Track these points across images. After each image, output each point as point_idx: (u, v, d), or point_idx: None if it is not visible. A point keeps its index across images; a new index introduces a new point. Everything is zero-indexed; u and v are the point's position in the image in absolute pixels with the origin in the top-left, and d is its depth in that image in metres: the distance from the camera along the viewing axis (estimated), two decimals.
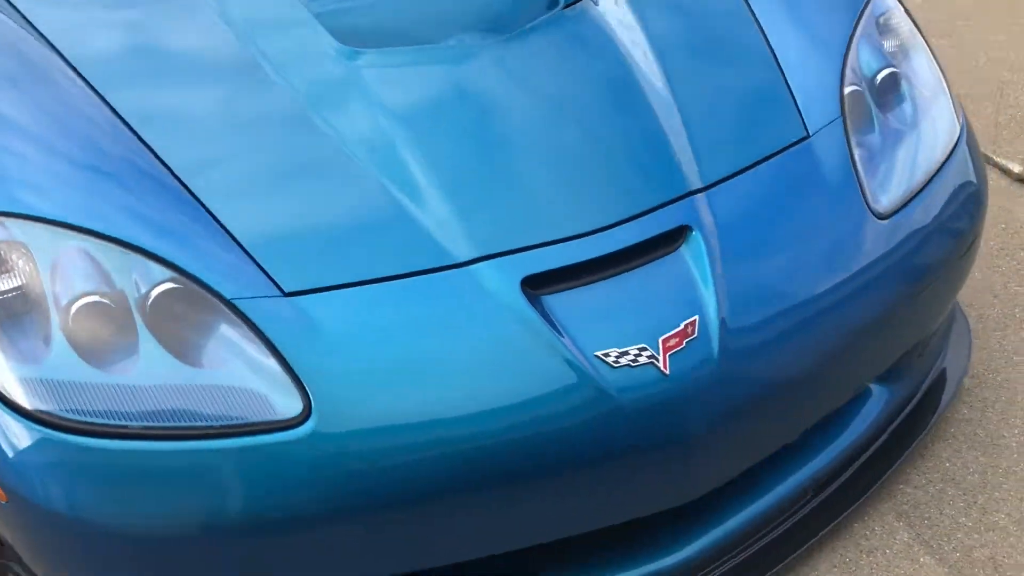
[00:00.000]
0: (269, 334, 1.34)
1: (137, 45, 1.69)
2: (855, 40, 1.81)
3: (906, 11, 1.93)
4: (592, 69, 1.69)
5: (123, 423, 1.30)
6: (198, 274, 1.36)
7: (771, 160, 1.63)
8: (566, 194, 1.52)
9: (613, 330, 1.41)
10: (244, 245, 1.41)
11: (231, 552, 1.34)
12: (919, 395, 1.92)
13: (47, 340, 1.32)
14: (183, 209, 1.43)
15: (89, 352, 1.33)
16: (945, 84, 1.88)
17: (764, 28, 1.82)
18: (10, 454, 1.29)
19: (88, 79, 1.57)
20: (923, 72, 1.86)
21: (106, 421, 1.30)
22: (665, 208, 1.52)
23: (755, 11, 1.84)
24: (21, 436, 1.29)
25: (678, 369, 1.40)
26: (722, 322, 1.44)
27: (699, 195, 1.54)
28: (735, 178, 1.59)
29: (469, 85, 1.63)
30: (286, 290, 1.37)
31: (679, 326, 1.42)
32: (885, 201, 1.66)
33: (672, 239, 1.50)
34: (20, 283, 1.35)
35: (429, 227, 1.44)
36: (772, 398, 1.50)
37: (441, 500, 1.36)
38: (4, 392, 1.29)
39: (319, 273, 1.40)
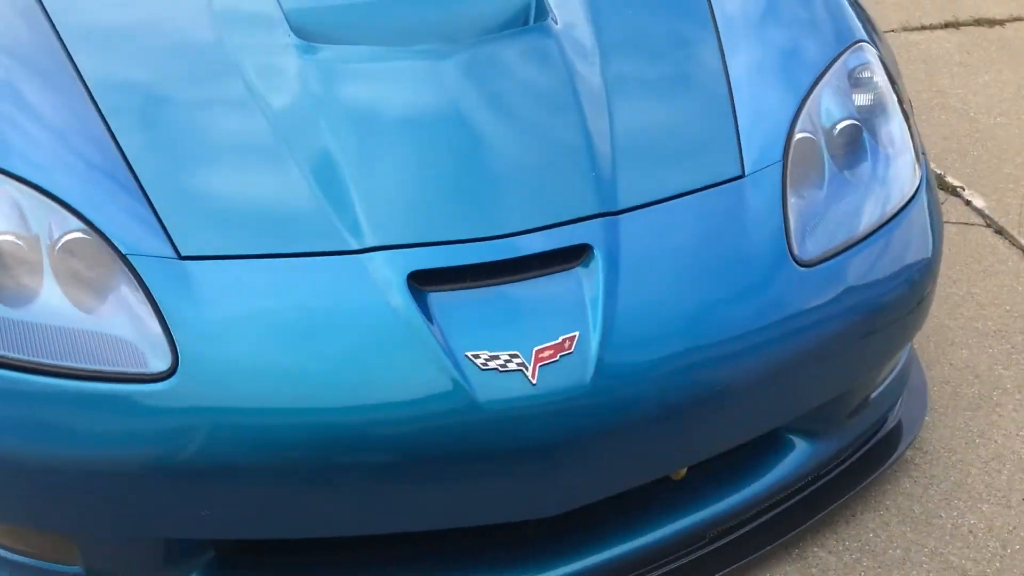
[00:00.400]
0: (155, 292, 1.40)
1: (120, 20, 1.81)
2: (818, 87, 1.78)
3: (888, 69, 1.90)
4: (533, 86, 1.71)
5: (11, 354, 1.39)
6: (103, 228, 1.44)
7: (695, 194, 1.62)
8: (475, 198, 1.54)
9: (489, 334, 1.42)
10: (156, 207, 1.48)
11: (82, 488, 1.41)
12: (850, 458, 1.86)
13: None
14: (112, 167, 1.52)
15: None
16: (912, 144, 1.83)
17: (727, 62, 1.81)
18: None
19: (64, 41, 1.69)
20: (889, 128, 1.82)
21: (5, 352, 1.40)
22: (571, 225, 1.53)
23: (723, 43, 1.84)
24: None
25: (546, 381, 1.41)
26: (601, 344, 1.44)
27: (609, 218, 1.55)
28: (652, 206, 1.59)
29: (409, 87, 1.67)
30: (182, 253, 1.44)
31: (557, 339, 1.43)
32: (812, 249, 1.63)
33: (572, 256, 1.51)
34: None
35: (332, 213, 1.49)
36: (642, 428, 1.48)
37: (289, 476, 1.39)
38: None
39: (217, 241, 1.46)
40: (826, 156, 1.75)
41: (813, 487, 1.82)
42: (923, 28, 3.85)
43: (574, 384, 1.42)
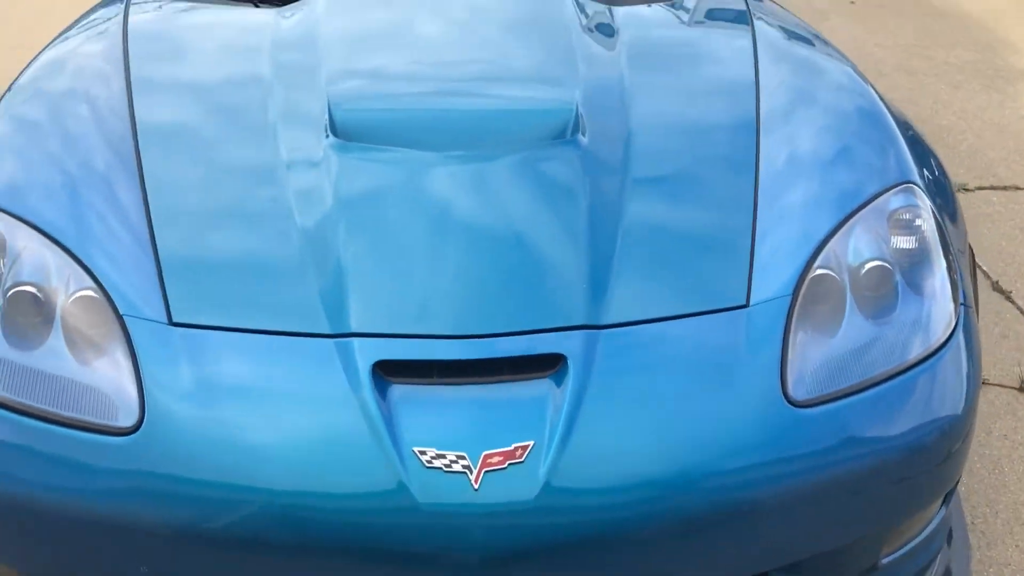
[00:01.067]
0: (139, 353, 1.49)
1: (186, 94, 1.98)
2: (850, 223, 1.71)
3: (938, 216, 1.80)
4: (546, 196, 1.72)
5: (10, 396, 1.51)
6: (110, 289, 1.55)
7: (689, 318, 1.58)
8: (459, 297, 1.56)
9: (442, 432, 1.42)
10: (163, 272, 1.58)
11: (34, 526, 1.49)
12: None
13: None
14: (138, 236, 1.65)
15: (12, 331, 1.55)
16: (952, 295, 1.71)
17: (759, 185, 1.78)
18: None
19: (136, 121, 1.86)
20: (927, 276, 1.72)
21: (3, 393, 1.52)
22: (550, 333, 1.52)
23: (760, 166, 1.81)
24: None
25: (488, 487, 1.39)
26: (555, 458, 1.41)
27: (591, 331, 1.53)
28: (640, 325, 1.56)
29: (421, 188, 1.72)
30: (173, 319, 1.53)
31: (509, 447, 1.41)
32: (810, 390, 1.54)
33: (545, 365, 1.49)
34: None
35: (318, 297, 1.54)
36: (584, 552, 1.42)
37: (228, 546, 1.42)
38: None
39: (207, 312, 1.54)
40: (849, 296, 1.66)
41: None
42: None
43: (516, 495, 1.39)
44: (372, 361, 1.46)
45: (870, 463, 1.55)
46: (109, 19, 2.28)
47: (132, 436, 1.43)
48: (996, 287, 2.94)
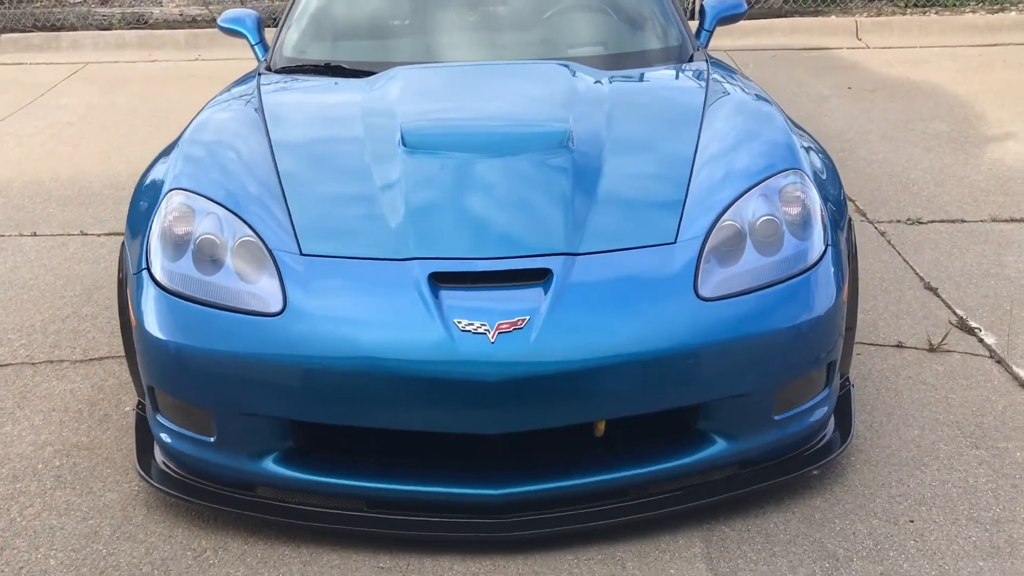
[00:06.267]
0: (283, 272, 2.38)
1: (310, 115, 3.01)
2: (752, 192, 2.55)
3: (816, 192, 2.62)
4: (546, 176, 2.62)
5: (206, 298, 2.40)
6: (262, 234, 2.47)
7: (636, 250, 2.43)
8: (485, 232, 2.45)
9: (474, 311, 2.29)
10: (295, 224, 2.50)
11: (224, 376, 2.35)
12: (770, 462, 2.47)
13: (184, 250, 2.47)
14: (275, 198, 2.58)
15: (201, 263, 2.45)
16: (820, 239, 2.52)
17: (694, 167, 2.65)
18: (148, 305, 2.44)
19: (272, 145, 2.82)
20: (805, 228, 2.52)
21: (193, 294, 2.41)
22: (543, 257, 2.38)
23: (697, 155, 2.70)
24: (158, 298, 2.43)
25: (501, 341, 2.23)
26: (543, 325, 2.24)
27: (569, 256, 2.38)
28: (602, 254, 2.41)
29: (459, 170, 2.65)
30: (303, 252, 2.42)
31: (514, 318, 2.25)
32: (713, 292, 2.36)
33: (540, 275, 2.35)
34: (189, 229, 2.53)
35: (394, 234, 2.44)
36: (565, 382, 2.24)
37: (344, 384, 2.27)
38: (155, 276, 2.45)
39: (325, 246, 2.45)
40: (748, 238, 2.48)
41: (730, 474, 2.44)
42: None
43: (520, 346, 2.23)
44: (428, 272, 2.33)
45: (757, 337, 2.34)
46: (246, 94, 3.28)
47: (280, 316, 2.31)
48: (928, 287, 3.69)
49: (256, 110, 3.07)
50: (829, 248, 2.55)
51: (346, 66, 3.44)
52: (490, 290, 2.34)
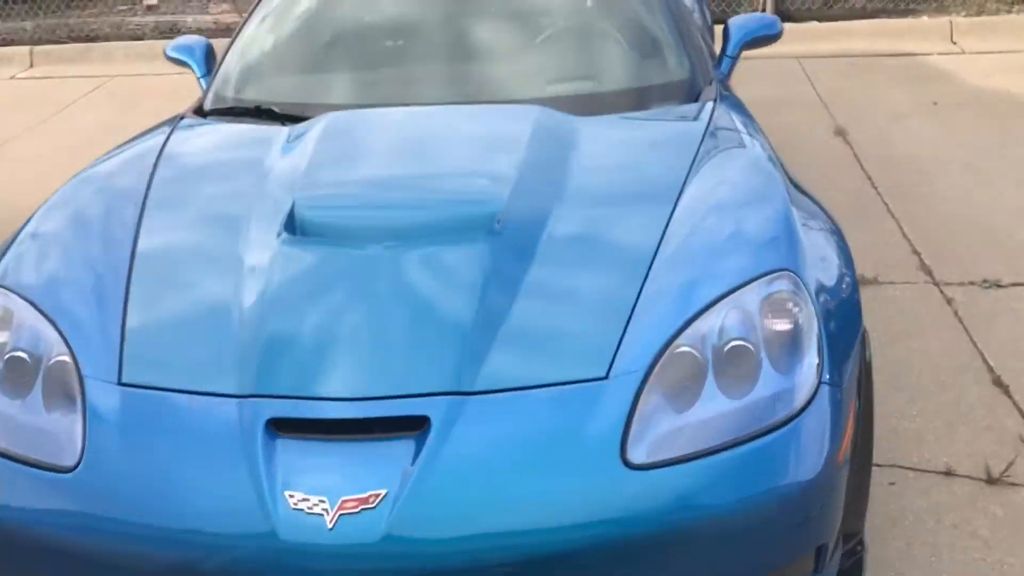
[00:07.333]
0: (89, 410, 1.84)
1: (204, 183, 2.46)
2: (722, 303, 1.89)
3: (815, 303, 1.93)
4: (449, 277, 2.00)
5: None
6: (78, 354, 1.92)
7: (549, 388, 1.79)
8: (347, 364, 1.85)
9: (310, 479, 1.69)
10: (126, 338, 1.95)
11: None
12: None
13: None
14: (115, 305, 2.03)
15: (9, 385, 1.93)
16: (814, 375, 1.84)
17: (654, 265, 1.99)
18: None
19: (148, 201, 2.33)
20: (793, 358, 1.85)
21: None
22: (420, 398, 1.77)
23: (658, 253, 2.03)
24: None
25: (341, 527, 1.63)
26: (403, 507, 1.64)
27: (458, 397, 1.76)
28: (503, 393, 1.78)
29: (342, 271, 2.04)
30: (122, 380, 1.87)
31: (363, 494, 1.65)
32: (649, 455, 1.70)
33: (414, 425, 1.73)
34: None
35: (236, 362, 1.86)
36: None
37: (133, 569, 1.72)
38: None
39: (149, 373, 1.89)
40: (710, 371, 1.82)
41: None
42: None
43: (367, 535, 1.63)
44: (266, 418, 1.75)
45: (707, 523, 1.69)
46: (145, 152, 2.71)
47: (71, 474, 1.77)
48: (997, 381, 2.93)
49: (146, 174, 2.52)
50: (824, 387, 1.87)
51: (278, 110, 2.88)
52: (343, 447, 1.74)
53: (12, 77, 7.61)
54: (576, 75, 2.98)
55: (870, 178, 4.63)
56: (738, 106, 2.85)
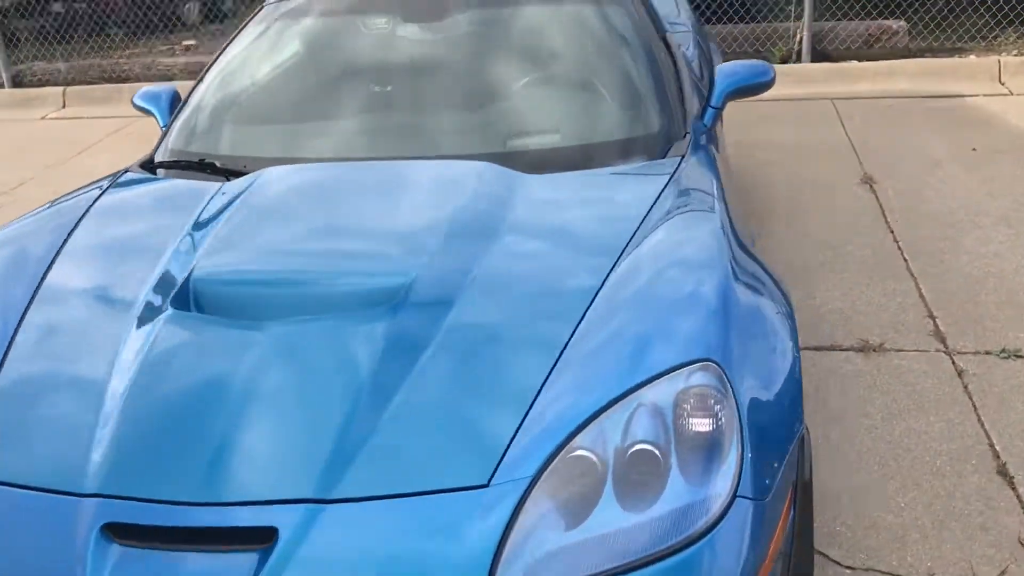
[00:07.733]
0: None
1: (118, 248, 2.30)
2: (632, 397, 1.65)
3: (738, 400, 1.68)
4: (331, 367, 1.78)
5: None
6: None
7: (420, 497, 1.56)
8: (197, 466, 1.64)
9: None
10: None
11: None
12: None
13: None
14: None
15: None
16: (730, 486, 1.58)
17: (562, 357, 1.77)
18: None
19: (53, 268, 2.19)
20: (707, 464, 1.60)
21: None
22: (271, 505, 1.56)
23: (574, 335, 1.81)
24: None
25: None
26: None
27: (312, 505, 1.55)
28: (365, 502, 1.56)
29: (218, 353, 1.84)
30: None
31: None
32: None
33: (262, 536, 1.53)
34: None
35: (82, 457, 1.68)
36: None
37: None
38: None
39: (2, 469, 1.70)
40: (609, 479, 1.59)
41: None
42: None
43: None
44: (102, 522, 1.56)
45: None
46: (72, 209, 2.57)
47: None
48: (1001, 470, 2.62)
49: (62, 235, 2.37)
50: (742, 501, 1.61)
51: (219, 164, 2.73)
52: (181, 558, 1.53)
53: (43, 117, 7.69)
54: (535, 129, 2.76)
55: (892, 231, 4.32)
56: (707, 163, 2.60)
